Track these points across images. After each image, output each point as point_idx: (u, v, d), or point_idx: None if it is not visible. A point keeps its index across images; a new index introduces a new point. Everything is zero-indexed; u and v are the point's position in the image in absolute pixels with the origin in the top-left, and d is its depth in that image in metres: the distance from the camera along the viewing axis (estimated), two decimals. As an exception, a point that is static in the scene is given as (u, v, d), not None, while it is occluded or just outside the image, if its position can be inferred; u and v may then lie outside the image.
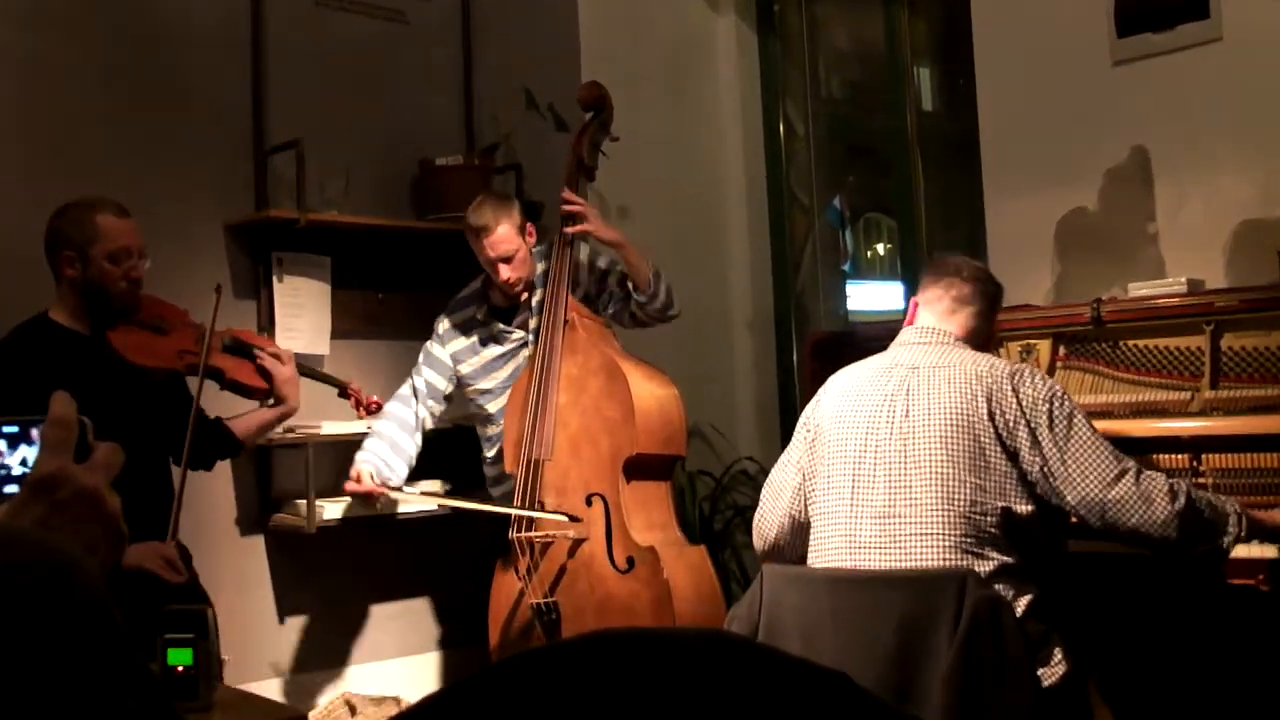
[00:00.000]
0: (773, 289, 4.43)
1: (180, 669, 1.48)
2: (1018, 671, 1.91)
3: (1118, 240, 3.22)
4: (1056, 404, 2.12)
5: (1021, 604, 2.02)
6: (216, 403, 3.00)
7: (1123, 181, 3.25)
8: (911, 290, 4.04)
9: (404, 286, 3.78)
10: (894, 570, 2.07)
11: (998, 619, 1.90)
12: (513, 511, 3.10)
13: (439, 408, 3.38)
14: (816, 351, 3.16)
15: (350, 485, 3.22)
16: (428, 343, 3.39)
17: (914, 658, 1.92)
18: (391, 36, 3.83)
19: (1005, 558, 2.05)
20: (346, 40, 3.73)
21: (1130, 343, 2.68)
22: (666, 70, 4.38)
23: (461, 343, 3.34)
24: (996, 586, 2.01)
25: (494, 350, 3.31)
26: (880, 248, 5.17)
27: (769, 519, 2.38)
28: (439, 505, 3.44)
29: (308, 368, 3.14)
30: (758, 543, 2.43)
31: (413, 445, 3.32)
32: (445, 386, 3.36)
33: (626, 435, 3.00)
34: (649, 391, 3.07)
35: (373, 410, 3.24)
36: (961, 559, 2.02)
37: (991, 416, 2.10)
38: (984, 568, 2.02)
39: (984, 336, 2.36)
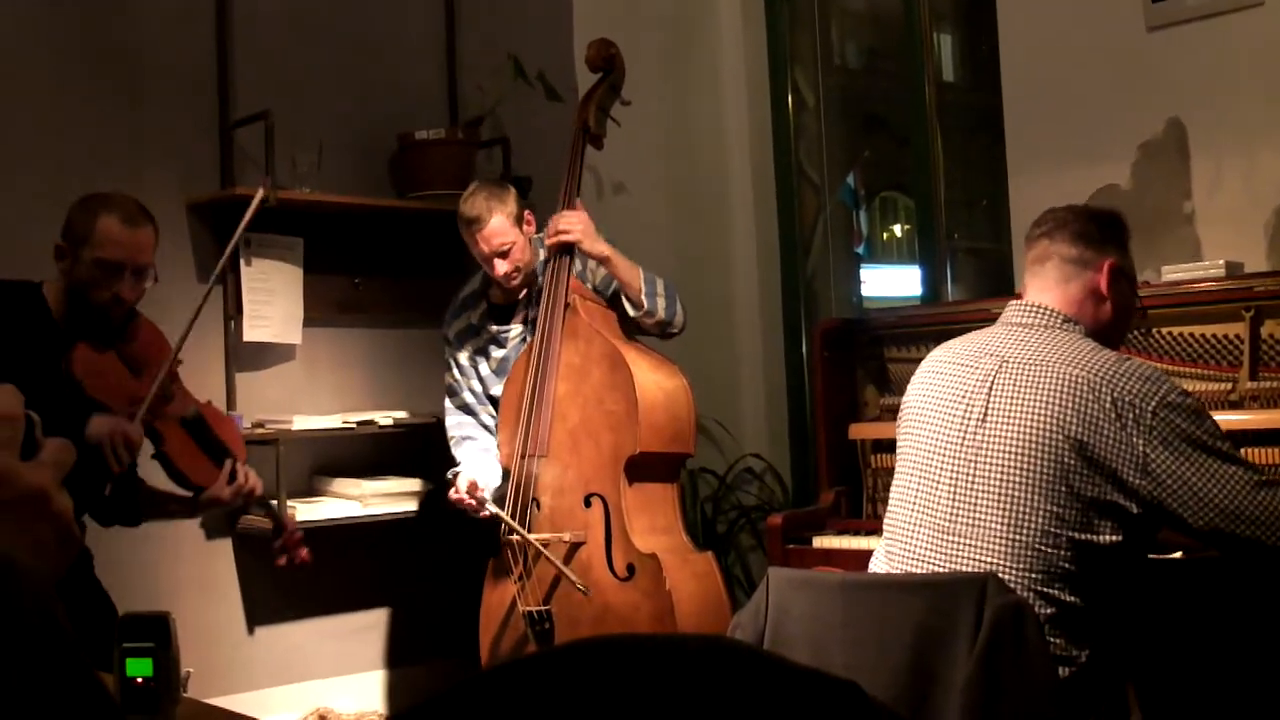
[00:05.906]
0: (780, 274, 4.43)
1: (140, 680, 1.48)
2: (1042, 685, 1.90)
3: (1151, 220, 3.22)
4: (1170, 415, 1.91)
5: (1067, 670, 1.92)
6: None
7: (1156, 157, 3.24)
8: (930, 274, 4.06)
9: (382, 271, 3.78)
10: (909, 575, 2.06)
11: (1021, 630, 1.89)
12: (539, 537, 3.06)
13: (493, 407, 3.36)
14: (827, 341, 3.15)
15: (454, 495, 3.14)
16: (448, 351, 3.38)
17: (931, 669, 1.91)
18: None
19: (1073, 598, 1.94)
20: (319, 3, 3.72)
21: (1164, 330, 2.68)
22: (666, 36, 4.37)
23: (469, 349, 3.36)
24: (1051, 640, 1.89)
25: (497, 353, 3.32)
26: (897, 229, 5.17)
27: None
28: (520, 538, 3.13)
29: (262, 499, 2.86)
30: None
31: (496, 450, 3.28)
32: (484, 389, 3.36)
33: (629, 432, 2.99)
34: (655, 383, 3.06)
35: (296, 566, 2.87)
36: (1024, 595, 1.91)
37: (1081, 445, 1.92)
38: (1045, 610, 1.92)
39: (1093, 298, 2.10)
